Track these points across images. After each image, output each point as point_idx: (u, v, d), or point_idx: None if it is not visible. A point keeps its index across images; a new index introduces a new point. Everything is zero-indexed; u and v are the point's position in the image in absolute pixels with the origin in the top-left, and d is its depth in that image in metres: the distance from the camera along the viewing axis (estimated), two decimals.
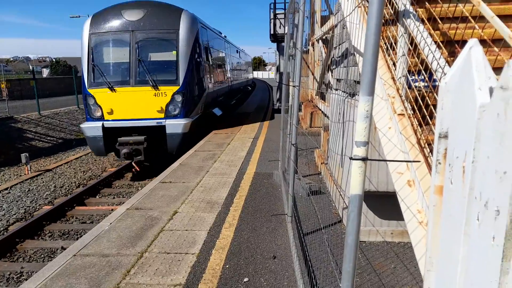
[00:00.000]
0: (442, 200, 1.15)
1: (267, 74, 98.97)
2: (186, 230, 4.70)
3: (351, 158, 1.66)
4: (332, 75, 6.78)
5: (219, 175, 7.17)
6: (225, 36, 20.07)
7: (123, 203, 6.00)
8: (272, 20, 17.20)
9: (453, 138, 1.07)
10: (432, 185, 1.20)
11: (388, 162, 2.70)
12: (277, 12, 17.03)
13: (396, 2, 2.88)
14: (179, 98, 9.82)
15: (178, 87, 9.83)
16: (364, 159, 1.65)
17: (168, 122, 9.69)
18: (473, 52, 0.96)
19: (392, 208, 3.64)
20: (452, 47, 2.68)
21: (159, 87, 9.78)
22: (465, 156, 0.97)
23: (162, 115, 9.81)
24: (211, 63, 13.30)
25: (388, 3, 3.06)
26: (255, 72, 73.92)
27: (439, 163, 1.16)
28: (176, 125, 9.67)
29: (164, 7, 10.55)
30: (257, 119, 15.37)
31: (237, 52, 25.36)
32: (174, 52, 10.05)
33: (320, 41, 10.29)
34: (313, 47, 12.12)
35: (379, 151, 3.61)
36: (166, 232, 4.66)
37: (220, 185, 6.52)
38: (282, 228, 4.69)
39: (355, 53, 3.84)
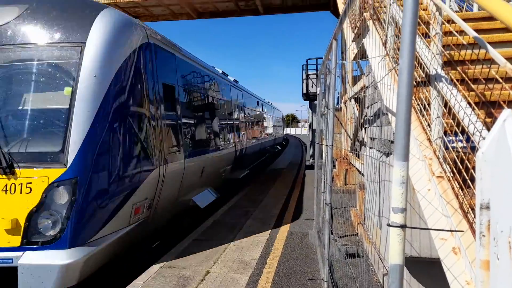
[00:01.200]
0: (489, 276, 1.08)
1: (300, 130, 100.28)
2: None
3: (388, 225, 1.62)
4: (365, 133, 6.78)
5: (251, 234, 7.05)
6: (236, 81, 14.20)
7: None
8: (304, 80, 17.84)
9: (495, 209, 1.04)
10: (478, 259, 1.13)
11: (430, 226, 2.57)
12: (309, 72, 17.70)
13: (427, 67, 2.94)
14: (63, 196, 4.33)
15: (63, 170, 4.36)
16: (403, 227, 1.60)
17: (27, 261, 4.08)
18: (507, 124, 0.96)
19: (438, 276, 3.38)
20: (488, 108, 2.65)
21: (18, 170, 4.36)
22: (510, 230, 0.93)
23: (18, 241, 4.19)
24: (186, 115, 7.50)
25: (419, 67, 3.12)
26: (288, 129, 74.93)
27: (483, 235, 1.11)
28: (44, 270, 4.08)
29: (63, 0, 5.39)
30: (290, 176, 15.30)
31: (257, 104, 19.37)
32: (69, 90, 4.73)
33: (352, 99, 10.45)
34: (346, 105, 12.29)
35: (420, 213, 3.46)
36: None
37: (253, 244, 6.38)
38: None
39: (388, 113, 3.87)
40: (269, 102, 27.04)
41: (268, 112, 24.42)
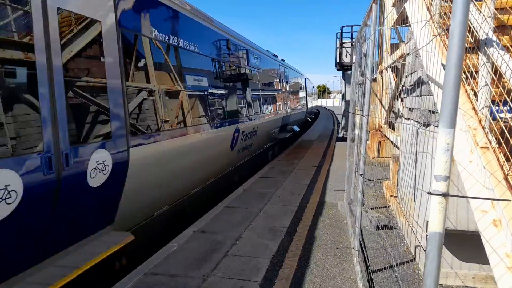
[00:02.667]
0: None
1: (331, 102, 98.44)
2: (249, 256, 4.73)
3: (429, 193, 1.58)
4: (402, 104, 6.54)
5: (281, 203, 7.15)
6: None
7: None
8: (338, 49, 17.25)
9: None
10: None
11: (469, 199, 2.50)
12: (343, 41, 17.07)
13: (476, 31, 2.75)
14: None
15: None
16: (445, 195, 1.56)
17: None
18: None
19: (473, 249, 3.31)
20: None
21: None
22: None
23: None
24: None
25: (467, 31, 2.92)
26: (319, 100, 73.33)
27: None
28: None
29: None
30: (321, 148, 15.19)
31: (237, 50, 9.86)
32: None
33: (389, 69, 10.03)
34: (382, 75, 11.84)
35: (458, 185, 3.36)
36: (230, 257, 4.72)
37: (282, 213, 6.49)
38: (347, 263, 4.50)
39: (429, 82, 3.69)
40: (278, 57, 16.05)
41: (274, 69, 14.12)
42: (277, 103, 14.74)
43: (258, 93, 11.77)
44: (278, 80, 15.38)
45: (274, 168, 10.81)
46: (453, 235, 3.71)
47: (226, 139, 8.46)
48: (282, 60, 17.00)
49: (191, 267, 4.42)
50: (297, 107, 20.18)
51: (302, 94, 23.06)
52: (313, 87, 37.74)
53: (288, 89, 17.41)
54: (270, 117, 12.96)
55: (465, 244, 3.67)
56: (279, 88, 15.47)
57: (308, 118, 26.54)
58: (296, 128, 18.80)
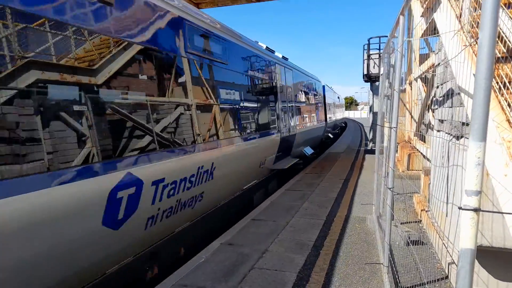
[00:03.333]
0: None
1: (359, 114, 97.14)
2: (276, 270, 4.69)
3: (460, 208, 1.54)
4: (433, 115, 6.36)
5: (308, 216, 7.07)
6: None
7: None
8: (365, 61, 17.10)
9: None
10: None
11: (505, 214, 2.40)
12: (370, 52, 16.91)
13: (509, 40, 2.68)
14: None
15: None
16: (477, 210, 1.52)
17: None
18: None
19: (511, 267, 3.14)
20: None
21: None
22: None
23: None
24: None
25: (499, 41, 2.85)
26: (346, 112, 72.40)
27: None
28: None
29: None
30: (348, 160, 14.95)
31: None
32: None
33: (418, 79, 9.81)
34: (411, 86, 11.59)
35: (493, 200, 3.22)
36: (256, 270, 4.71)
37: (309, 227, 6.41)
38: (376, 279, 4.37)
39: (460, 93, 3.60)
40: (274, 52, 11.27)
41: (253, 67, 8.96)
42: (271, 119, 10.08)
43: (225, 105, 7.10)
44: (273, 85, 10.54)
45: (301, 181, 10.73)
46: (489, 252, 3.54)
47: (82, 211, 3.47)
48: (284, 58, 12.22)
49: (219, 280, 4.44)
50: (310, 122, 15.54)
51: (319, 105, 18.36)
52: (338, 97, 33.21)
53: (293, 99, 12.70)
54: (251, 141, 8.21)
55: (502, 261, 3.48)
56: (277, 96, 10.65)
57: (329, 134, 21.93)
58: (309, 150, 14.45)
